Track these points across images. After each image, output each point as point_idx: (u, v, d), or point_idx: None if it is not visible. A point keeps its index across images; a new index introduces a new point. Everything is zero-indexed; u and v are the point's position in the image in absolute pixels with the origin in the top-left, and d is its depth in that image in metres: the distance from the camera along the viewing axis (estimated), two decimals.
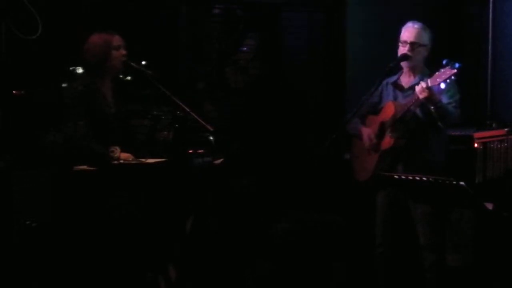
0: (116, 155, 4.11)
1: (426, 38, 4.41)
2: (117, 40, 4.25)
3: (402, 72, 4.51)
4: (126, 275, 4.17)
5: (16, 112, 4.58)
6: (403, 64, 4.43)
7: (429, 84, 4.09)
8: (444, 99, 4.26)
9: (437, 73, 4.10)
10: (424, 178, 3.59)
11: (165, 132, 4.45)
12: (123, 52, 4.26)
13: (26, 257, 4.35)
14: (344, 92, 5.50)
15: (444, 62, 4.06)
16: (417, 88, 4.16)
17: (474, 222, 4.74)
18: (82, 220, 4.05)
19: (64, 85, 4.76)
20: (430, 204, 4.08)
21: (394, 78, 4.51)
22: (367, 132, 4.47)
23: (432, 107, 4.18)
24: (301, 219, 5.12)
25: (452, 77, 4.06)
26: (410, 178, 3.71)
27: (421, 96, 4.13)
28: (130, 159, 4.19)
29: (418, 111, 4.31)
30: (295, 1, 5.55)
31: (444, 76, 4.05)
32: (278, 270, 4.88)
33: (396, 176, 3.89)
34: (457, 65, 4.02)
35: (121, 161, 4.11)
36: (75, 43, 4.40)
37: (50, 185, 4.39)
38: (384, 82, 4.48)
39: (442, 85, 4.09)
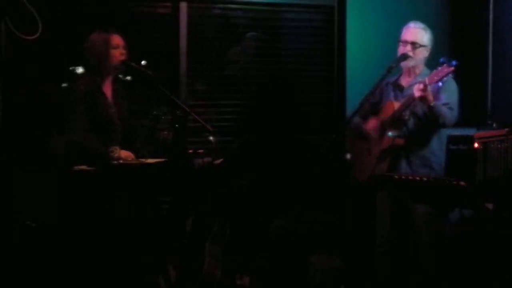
0: (116, 155, 4.11)
1: (426, 39, 4.43)
2: (116, 39, 4.25)
3: (402, 72, 4.52)
4: (126, 275, 4.17)
5: (17, 112, 4.59)
6: (403, 64, 4.43)
7: (427, 83, 4.10)
8: (442, 99, 4.26)
9: (434, 71, 4.12)
10: (424, 178, 3.60)
11: (165, 132, 4.45)
12: (123, 51, 4.26)
13: (26, 257, 4.35)
14: (344, 92, 5.50)
15: (441, 60, 4.08)
16: (415, 87, 4.17)
17: (474, 222, 4.73)
18: (82, 220, 4.05)
19: (64, 85, 4.76)
20: (430, 204, 4.09)
21: (394, 78, 4.52)
22: (372, 122, 4.46)
23: (425, 107, 4.19)
24: (300, 218, 5.13)
25: (450, 75, 4.08)
26: (410, 178, 3.71)
27: (417, 95, 4.14)
28: (130, 159, 4.19)
29: (417, 110, 4.31)
30: (295, 1, 5.55)
31: (441, 74, 4.06)
32: (274, 267, 4.89)
33: (396, 176, 3.90)
34: (454, 62, 4.04)
35: (121, 161, 4.11)
36: (75, 43, 4.40)
37: (50, 185, 4.39)
38: (384, 82, 4.48)
39: (440, 83, 4.11)
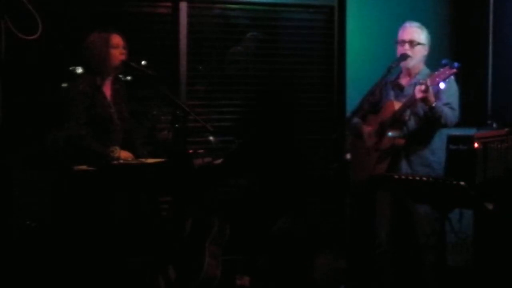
0: (116, 155, 4.11)
1: (423, 37, 4.44)
2: (116, 39, 4.25)
3: (402, 71, 4.52)
4: (126, 275, 4.17)
5: (17, 112, 4.58)
6: (403, 63, 4.43)
7: (428, 84, 4.09)
8: (443, 99, 4.26)
9: (436, 72, 4.11)
10: (424, 178, 3.60)
11: (165, 132, 4.45)
12: (122, 51, 4.26)
13: (26, 257, 4.35)
14: (344, 92, 5.50)
15: (443, 62, 4.08)
16: (416, 88, 4.17)
17: (474, 222, 4.73)
18: (82, 220, 4.05)
19: (64, 85, 4.76)
20: (430, 204, 4.09)
21: (393, 77, 4.52)
22: (367, 131, 4.48)
23: (427, 107, 4.19)
24: (300, 219, 5.13)
25: (452, 77, 4.07)
26: (410, 178, 3.71)
27: (418, 96, 4.14)
28: (130, 159, 4.19)
29: (418, 110, 4.31)
30: (295, 1, 5.55)
31: (443, 76, 4.06)
32: (275, 268, 4.89)
33: (396, 176, 3.90)
34: (456, 64, 4.03)
35: (121, 161, 4.12)
36: (75, 43, 4.40)
37: (50, 185, 4.38)
38: (384, 81, 4.48)
39: (442, 85, 4.11)
